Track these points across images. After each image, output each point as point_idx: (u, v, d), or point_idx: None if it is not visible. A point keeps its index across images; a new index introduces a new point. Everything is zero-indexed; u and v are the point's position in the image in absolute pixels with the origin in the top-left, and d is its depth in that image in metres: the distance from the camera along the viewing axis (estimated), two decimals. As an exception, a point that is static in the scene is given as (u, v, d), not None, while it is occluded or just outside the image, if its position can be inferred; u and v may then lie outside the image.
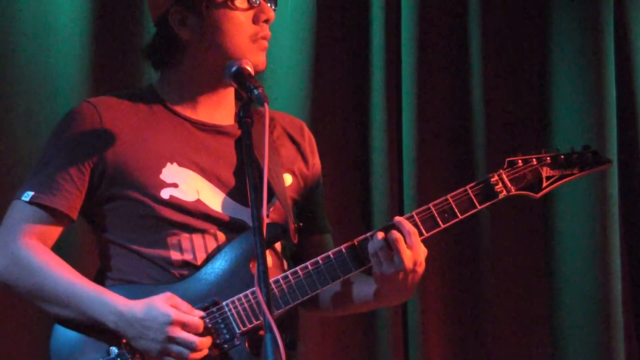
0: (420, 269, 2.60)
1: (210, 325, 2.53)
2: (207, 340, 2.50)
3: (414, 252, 2.57)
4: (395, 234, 2.56)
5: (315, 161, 2.84)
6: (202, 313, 2.52)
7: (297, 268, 2.60)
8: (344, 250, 2.61)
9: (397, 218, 2.60)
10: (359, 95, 4.25)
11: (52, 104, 3.62)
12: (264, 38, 2.65)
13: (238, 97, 2.74)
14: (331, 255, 2.61)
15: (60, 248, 2.65)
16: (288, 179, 2.74)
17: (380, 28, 4.22)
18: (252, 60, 2.61)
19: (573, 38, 4.44)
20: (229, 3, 2.61)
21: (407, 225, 2.58)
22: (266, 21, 2.65)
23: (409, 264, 2.56)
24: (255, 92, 2.45)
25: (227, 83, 2.62)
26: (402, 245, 2.55)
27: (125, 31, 3.75)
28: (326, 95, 4.16)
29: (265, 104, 2.42)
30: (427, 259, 4.35)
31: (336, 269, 2.60)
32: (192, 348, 2.47)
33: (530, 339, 4.38)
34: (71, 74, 3.69)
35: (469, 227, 4.29)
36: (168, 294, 2.51)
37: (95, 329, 2.52)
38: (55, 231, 2.62)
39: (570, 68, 4.44)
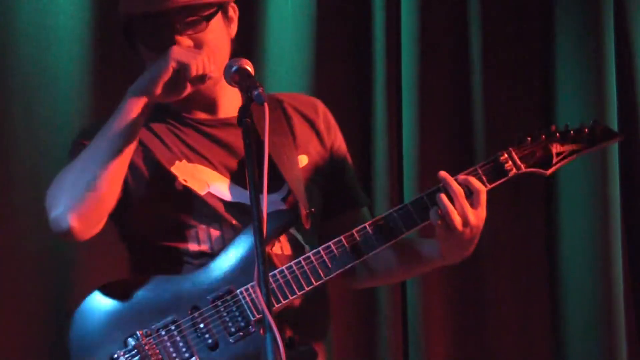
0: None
1: (225, 314, 2.55)
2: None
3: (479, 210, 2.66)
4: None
5: (334, 136, 2.85)
6: None
7: (310, 253, 2.60)
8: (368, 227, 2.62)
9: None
10: (359, 95, 4.24)
11: (51, 104, 3.62)
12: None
13: None
14: (344, 240, 2.61)
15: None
16: (304, 159, 2.75)
17: (381, 28, 4.22)
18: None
19: (573, 39, 4.44)
20: None
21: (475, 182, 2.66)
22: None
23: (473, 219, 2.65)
24: (255, 92, 2.44)
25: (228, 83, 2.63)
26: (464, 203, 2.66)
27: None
28: (327, 96, 4.12)
29: (265, 105, 2.42)
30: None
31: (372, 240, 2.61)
32: (196, 55, 2.51)
33: (531, 340, 4.38)
34: (71, 74, 3.69)
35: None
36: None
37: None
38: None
39: (570, 69, 4.44)
